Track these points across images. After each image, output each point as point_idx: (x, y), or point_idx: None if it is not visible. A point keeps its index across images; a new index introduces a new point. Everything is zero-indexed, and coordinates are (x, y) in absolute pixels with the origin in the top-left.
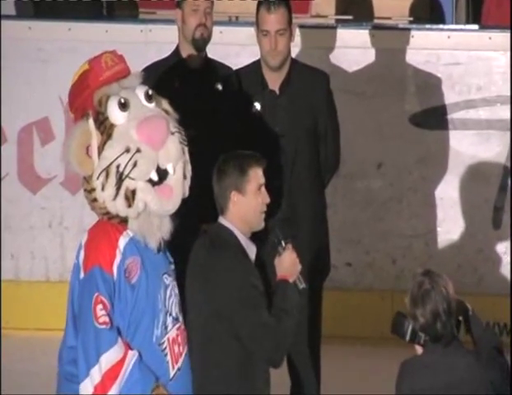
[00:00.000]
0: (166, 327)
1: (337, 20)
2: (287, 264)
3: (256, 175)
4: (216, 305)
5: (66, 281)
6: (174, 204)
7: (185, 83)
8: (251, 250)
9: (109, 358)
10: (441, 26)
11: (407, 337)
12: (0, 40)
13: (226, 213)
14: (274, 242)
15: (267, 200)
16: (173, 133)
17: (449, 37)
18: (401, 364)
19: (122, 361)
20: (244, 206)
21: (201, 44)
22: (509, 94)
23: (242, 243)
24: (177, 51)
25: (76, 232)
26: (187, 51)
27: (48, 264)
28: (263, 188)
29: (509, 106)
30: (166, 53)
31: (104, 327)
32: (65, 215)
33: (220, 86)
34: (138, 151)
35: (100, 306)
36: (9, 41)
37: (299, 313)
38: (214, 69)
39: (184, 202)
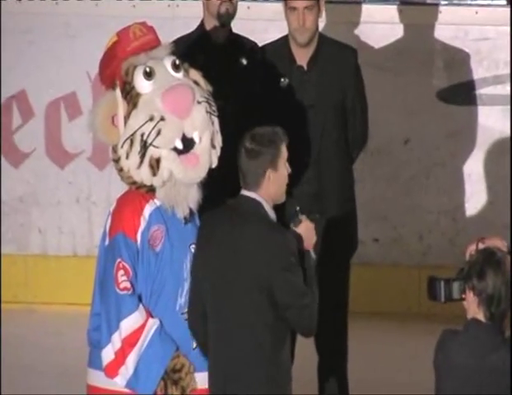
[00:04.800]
0: None
1: None
2: (304, 234)
3: (284, 149)
4: (255, 275)
5: (93, 256)
6: (199, 173)
7: (209, 57)
8: (273, 219)
9: (128, 324)
10: (469, 1)
11: (442, 298)
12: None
13: (257, 190)
14: (292, 213)
15: (290, 170)
16: (199, 102)
17: (476, 12)
18: (442, 332)
19: (141, 328)
20: (277, 182)
21: (226, 18)
22: None
23: (269, 214)
24: (202, 26)
25: (104, 207)
26: (211, 26)
27: (76, 239)
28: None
29: None
30: (193, 28)
31: (124, 292)
32: (92, 190)
33: (244, 61)
34: (162, 119)
35: (121, 272)
36: (36, 16)
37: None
38: (239, 44)
39: (210, 174)
